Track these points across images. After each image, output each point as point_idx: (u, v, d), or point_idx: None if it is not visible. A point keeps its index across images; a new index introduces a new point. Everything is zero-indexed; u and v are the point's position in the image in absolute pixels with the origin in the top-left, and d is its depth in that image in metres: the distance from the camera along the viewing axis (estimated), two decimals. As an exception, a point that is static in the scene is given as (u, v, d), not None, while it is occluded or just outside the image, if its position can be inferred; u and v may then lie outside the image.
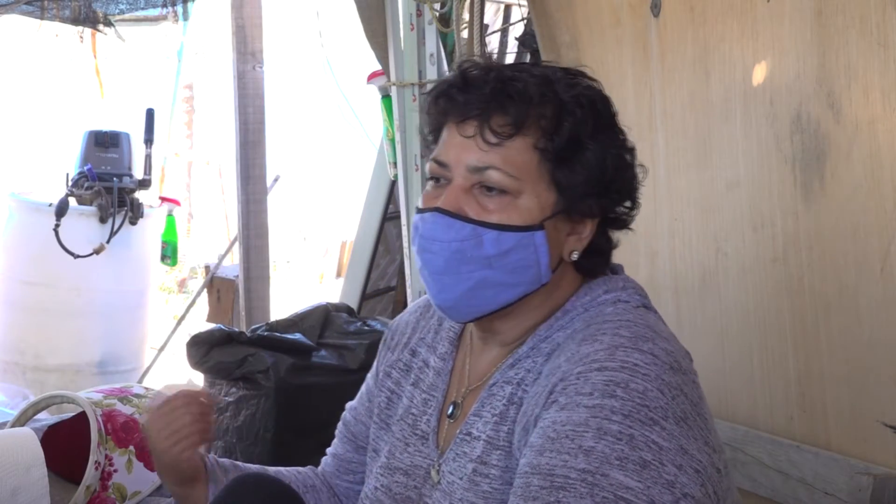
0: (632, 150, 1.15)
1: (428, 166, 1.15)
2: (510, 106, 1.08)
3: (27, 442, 1.67)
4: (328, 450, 1.45)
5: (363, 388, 1.41)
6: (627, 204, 1.16)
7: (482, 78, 1.11)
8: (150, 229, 4.19)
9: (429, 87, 2.64)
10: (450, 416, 1.19)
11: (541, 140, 1.09)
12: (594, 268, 1.16)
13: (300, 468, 1.43)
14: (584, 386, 0.97)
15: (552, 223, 1.10)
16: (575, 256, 1.13)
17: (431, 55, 2.63)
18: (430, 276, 1.12)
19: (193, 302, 4.85)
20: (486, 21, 2.90)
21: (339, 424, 1.44)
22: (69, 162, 4.18)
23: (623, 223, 1.18)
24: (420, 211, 1.13)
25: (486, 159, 1.08)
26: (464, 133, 1.10)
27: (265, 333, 2.71)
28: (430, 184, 1.15)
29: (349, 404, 1.43)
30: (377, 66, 2.81)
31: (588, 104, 1.11)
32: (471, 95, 1.10)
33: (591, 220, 1.13)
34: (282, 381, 2.47)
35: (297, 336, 2.72)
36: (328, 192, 8.16)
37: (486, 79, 1.11)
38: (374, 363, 1.39)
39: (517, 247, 1.08)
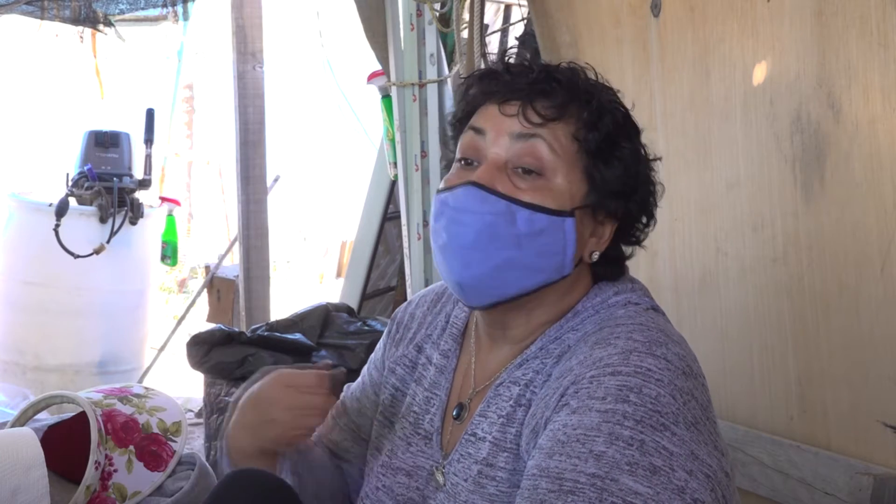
0: (654, 166, 1.17)
1: (462, 140, 1.14)
2: (556, 91, 1.10)
3: (27, 442, 1.67)
4: (320, 432, 1.37)
5: (366, 377, 1.38)
6: (644, 219, 1.17)
7: (528, 66, 1.13)
8: (150, 229, 4.19)
9: (429, 87, 2.64)
10: (456, 418, 1.18)
11: (580, 131, 1.10)
12: (610, 276, 1.17)
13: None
14: (597, 390, 0.97)
15: (580, 215, 1.10)
16: (595, 257, 1.14)
17: (431, 55, 2.63)
18: (456, 250, 1.08)
19: (193, 302, 4.85)
20: (486, 21, 2.89)
21: (335, 411, 1.36)
22: (69, 162, 4.19)
23: (637, 238, 1.19)
24: (446, 189, 1.11)
25: (530, 129, 1.09)
26: (505, 112, 1.10)
27: (265, 333, 2.71)
28: (455, 166, 1.14)
29: (349, 392, 1.39)
30: (377, 66, 2.81)
31: (624, 111, 1.14)
32: (517, 77, 1.11)
33: (611, 223, 1.14)
34: (282, 381, 2.47)
35: (297, 336, 2.72)
36: (328, 192, 8.16)
37: (533, 66, 1.13)
38: (379, 353, 1.37)
39: (548, 229, 1.07)
